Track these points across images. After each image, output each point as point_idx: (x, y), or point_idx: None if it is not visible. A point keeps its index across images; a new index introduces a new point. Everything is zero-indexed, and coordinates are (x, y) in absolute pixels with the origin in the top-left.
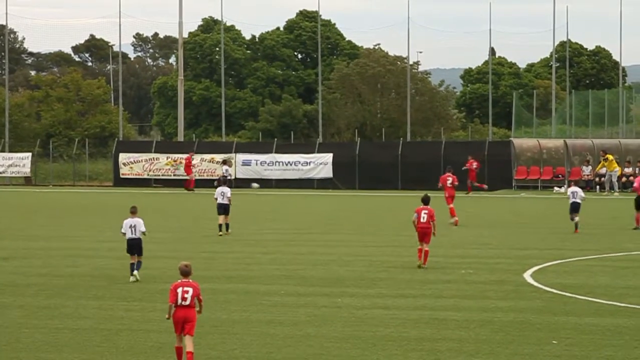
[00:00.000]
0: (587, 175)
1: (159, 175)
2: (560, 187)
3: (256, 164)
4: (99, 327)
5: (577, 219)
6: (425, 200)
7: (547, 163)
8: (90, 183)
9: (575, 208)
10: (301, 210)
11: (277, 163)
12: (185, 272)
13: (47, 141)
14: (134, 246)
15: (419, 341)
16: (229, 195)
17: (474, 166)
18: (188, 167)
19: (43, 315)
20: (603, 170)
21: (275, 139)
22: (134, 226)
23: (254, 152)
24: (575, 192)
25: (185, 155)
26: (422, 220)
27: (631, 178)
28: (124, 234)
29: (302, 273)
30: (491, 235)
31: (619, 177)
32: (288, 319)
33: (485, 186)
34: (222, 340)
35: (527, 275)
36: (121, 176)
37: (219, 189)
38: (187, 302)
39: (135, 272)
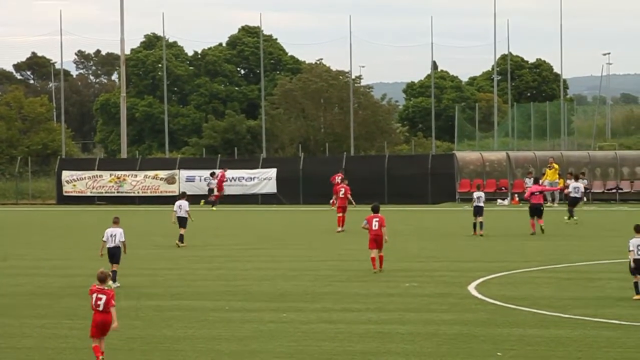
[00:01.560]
0: (530, 187)
1: (102, 193)
2: (503, 199)
3: (200, 180)
4: (42, 346)
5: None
6: (375, 209)
7: (490, 176)
8: (33, 201)
9: (478, 211)
10: (246, 226)
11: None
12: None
13: None
14: (113, 255)
15: (364, 355)
16: (187, 208)
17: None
18: (221, 182)
19: None
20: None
21: (219, 155)
22: (114, 235)
23: (198, 168)
24: (480, 197)
25: (219, 171)
26: (373, 227)
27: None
28: (105, 241)
29: (248, 289)
30: (435, 248)
31: (562, 189)
32: (234, 334)
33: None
34: (167, 357)
35: (471, 288)
36: (64, 194)
37: (177, 202)
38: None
39: (111, 282)
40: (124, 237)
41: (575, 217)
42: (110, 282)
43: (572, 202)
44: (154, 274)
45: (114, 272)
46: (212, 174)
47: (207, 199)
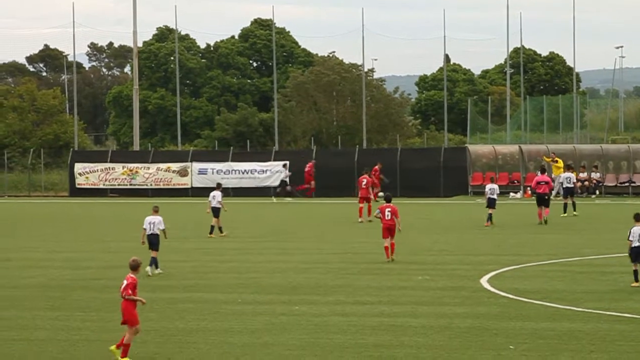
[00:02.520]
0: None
1: (115, 185)
2: (515, 192)
3: (212, 173)
4: (55, 338)
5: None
6: (388, 199)
7: (502, 169)
8: (45, 193)
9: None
10: (258, 219)
11: (233, 172)
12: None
13: (2, 151)
14: (152, 242)
15: (376, 348)
16: (219, 199)
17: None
18: (309, 174)
19: None
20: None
21: (232, 148)
22: (154, 223)
23: (210, 160)
24: (493, 189)
25: (308, 164)
26: (386, 217)
27: (586, 183)
28: (145, 229)
29: (260, 281)
30: (448, 241)
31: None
32: (246, 327)
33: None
34: (179, 350)
35: (484, 281)
36: (77, 186)
37: (212, 193)
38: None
39: (149, 267)
40: (163, 224)
41: (575, 212)
42: (148, 269)
43: (566, 193)
44: (167, 266)
45: (154, 258)
46: (284, 166)
47: (283, 191)
